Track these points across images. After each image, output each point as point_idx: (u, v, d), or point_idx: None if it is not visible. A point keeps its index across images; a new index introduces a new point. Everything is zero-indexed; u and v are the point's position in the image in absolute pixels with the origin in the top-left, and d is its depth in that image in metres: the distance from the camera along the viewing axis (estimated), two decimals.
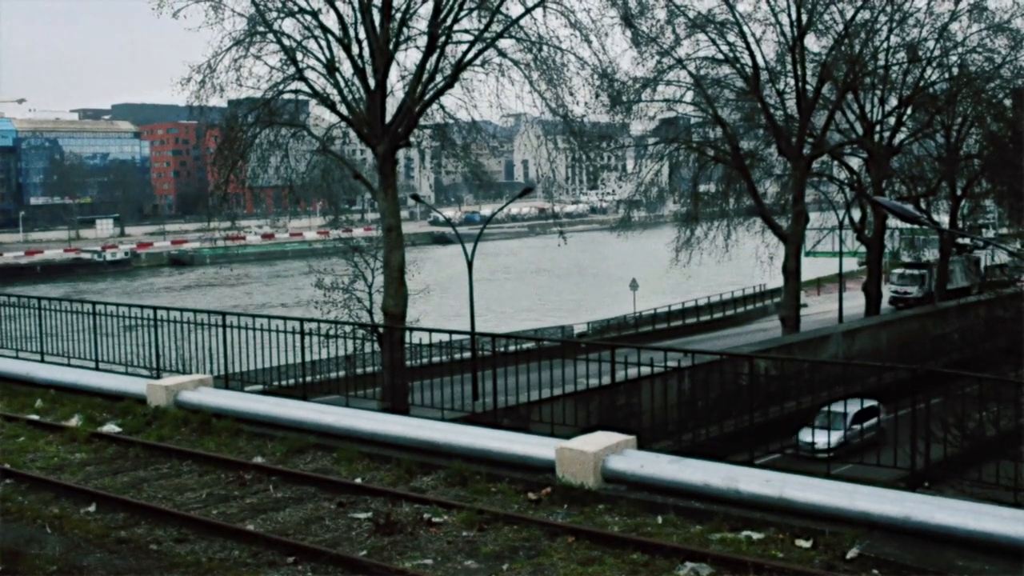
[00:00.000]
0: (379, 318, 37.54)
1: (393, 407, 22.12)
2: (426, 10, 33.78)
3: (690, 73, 47.97)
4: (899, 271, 69.58)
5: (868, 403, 33.51)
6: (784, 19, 47.00)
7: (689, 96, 50.25)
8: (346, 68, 34.44)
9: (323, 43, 34.34)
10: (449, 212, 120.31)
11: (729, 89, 50.63)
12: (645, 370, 15.74)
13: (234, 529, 11.94)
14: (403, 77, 34.78)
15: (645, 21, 41.98)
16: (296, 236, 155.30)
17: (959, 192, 59.95)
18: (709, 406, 16.67)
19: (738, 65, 47.71)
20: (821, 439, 27.47)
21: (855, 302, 60.12)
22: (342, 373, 25.25)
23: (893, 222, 57.78)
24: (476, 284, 41.93)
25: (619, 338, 58.18)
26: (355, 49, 34.00)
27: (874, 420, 35.15)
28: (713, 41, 47.27)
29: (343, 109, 35.01)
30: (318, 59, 34.54)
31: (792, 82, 48.16)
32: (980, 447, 24.49)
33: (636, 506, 12.31)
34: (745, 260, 55.88)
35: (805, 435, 27.35)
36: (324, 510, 12.75)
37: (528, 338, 38.01)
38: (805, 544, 11.04)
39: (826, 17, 48.08)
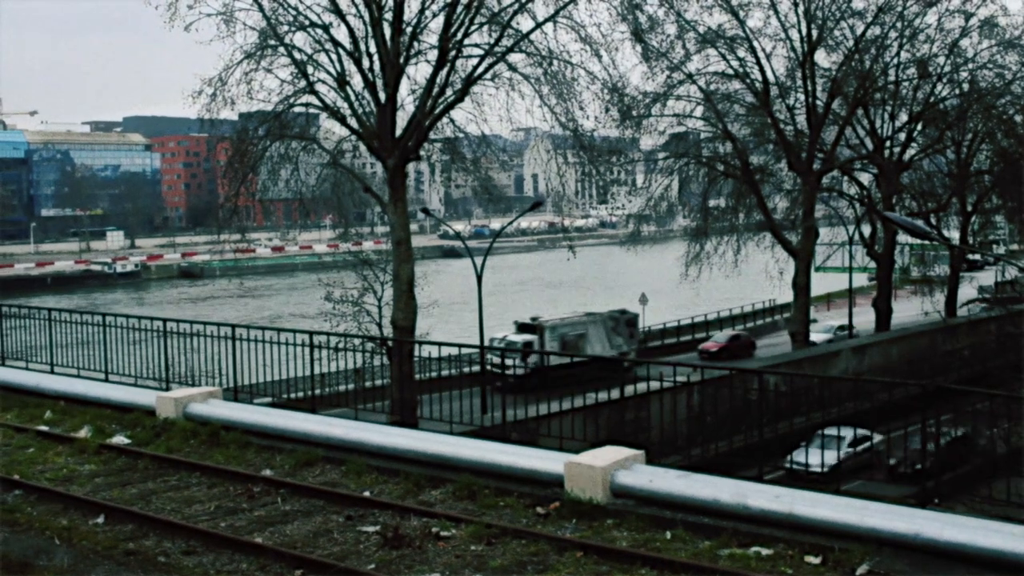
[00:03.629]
0: (388, 331, 37.58)
1: (402, 420, 22.14)
2: (437, 24, 33.95)
3: (700, 88, 48.04)
4: (501, 335, 50.67)
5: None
6: (794, 35, 47.13)
7: (699, 111, 50.35)
8: (357, 82, 34.61)
9: (334, 57, 34.50)
10: (459, 226, 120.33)
11: (739, 104, 50.70)
12: (654, 385, 15.72)
13: (242, 542, 11.93)
14: (413, 91, 34.94)
15: (655, 36, 42.07)
16: (306, 249, 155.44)
17: (969, 208, 59.86)
18: (718, 421, 16.63)
19: (748, 80, 47.77)
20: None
21: (865, 317, 60.05)
22: (351, 386, 25.27)
23: (903, 238, 57.75)
24: (485, 298, 41.99)
25: (628, 353, 58.05)
26: (366, 63, 34.14)
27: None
28: (723, 56, 47.36)
29: (353, 122, 35.14)
30: (329, 73, 34.70)
31: (802, 97, 48.21)
32: (990, 464, 24.39)
33: (645, 521, 12.27)
34: (755, 275, 55.85)
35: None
36: (332, 523, 12.73)
37: (538, 352, 38.05)
38: (815, 560, 11.00)
39: (836, 33, 48.16)
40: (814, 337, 57.92)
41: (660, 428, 17.03)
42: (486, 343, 45.28)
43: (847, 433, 30.95)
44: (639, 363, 34.11)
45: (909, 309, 65.44)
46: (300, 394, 20.56)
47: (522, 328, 50.54)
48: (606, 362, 38.35)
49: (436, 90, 34.00)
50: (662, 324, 67.04)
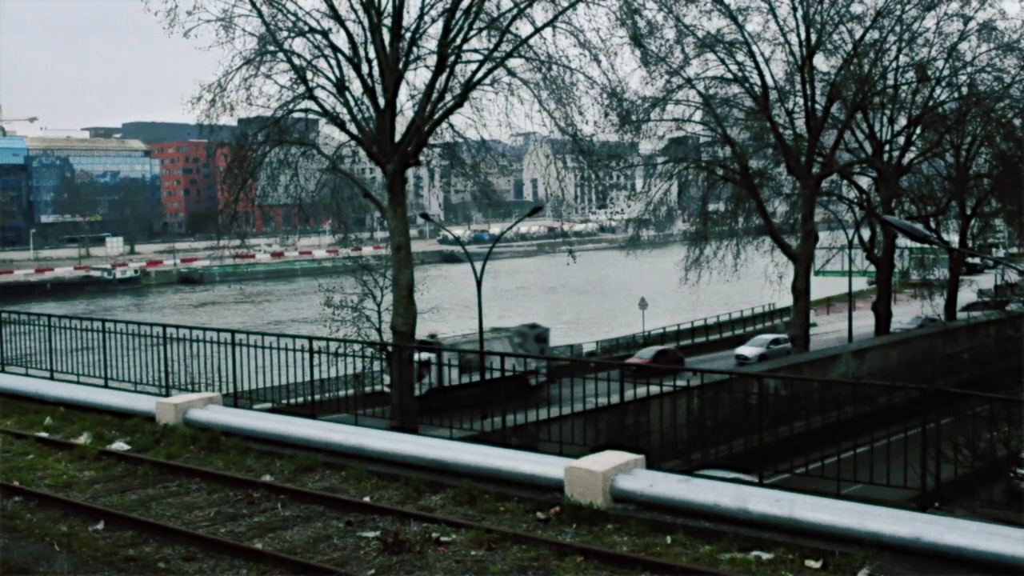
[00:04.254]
0: (388, 336, 37.54)
1: (402, 425, 22.12)
2: (436, 29, 33.99)
3: (699, 92, 48.06)
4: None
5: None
6: (793, 39, 47.17)
7: (698, 115, 50.36)
8: (356, 87, 34.64)
9: (333, 62, 34.54)
10: (458, 231, 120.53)
11: (738, 108, 50.74)
12: (654, 389, 15.70)
13: (242, 548, 11.92)
14: (412, 96, 34.98)
15: (654, 41, 42.10)
16: (305, 254, 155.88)
17: (969, 211, 59.90)
18: (718, 425, 16.61)
19: (747, 85, 47.80)
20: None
21: (864, 321, 60.07)
22: (351, 391, 25.24)
23: (903, 241, 57.75)
24: (485, 303, 41.94)
25: (628, 357, 58.03)
26: (365, 68, 34.17)
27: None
28: (722, 61, 47.38)
29: (353, 128, 35.16)
30: (328, 78, 34.73)
31: (801, 101, 48.23)
32: (991, 467, 24.40)
33: (645, 526, 12.27)
34: (754, 279, 55.83)
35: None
36: (332, 529, 12.72)
37: (537, 357, 37.99)
38: (815, 564, 10.98)
39: (835, 37, 48.20)
40: (745, 352, 57.24)
41: (660, 432, 16.98)
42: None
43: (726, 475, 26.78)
44: (638, 365, 34.16)
45: (909, 313, 65.50)
46: (300, 400, 20.53)
47: (420, 346, 42.02)
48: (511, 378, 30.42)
49: (435, 95, 34.03)
50: (662, 328, 67.04)
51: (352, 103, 34.75)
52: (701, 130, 52.36)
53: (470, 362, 39.17)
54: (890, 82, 51.36)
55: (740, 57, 47.43)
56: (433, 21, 33.89)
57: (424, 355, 40.18)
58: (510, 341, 49.23)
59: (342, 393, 24.83)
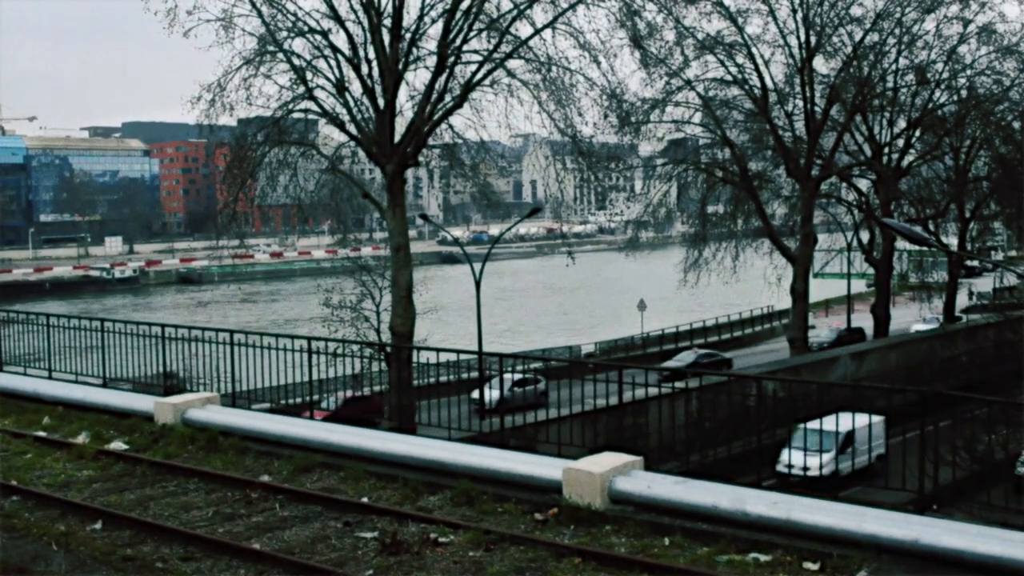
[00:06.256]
0: (387, 337, 37.54)
1: (400, 426, 22.10)
2: (436, 30, 34.02)
3: (699, 94, 48.06)
4: None
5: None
6: (793, 41, 47.15)
7: (698, 117, 50.36)
8: (355, 87, 34.65)
9: (333, 62, 34.56)
10: (457, 232, 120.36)
11: (738, 110, 50.72)
12: (653, 390, 15.69)
13: (240, 548, 11.91)
14: (412, 97, 35.00)
15: (654, 42, 42.09)
16: (304, 255, 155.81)
17: (968, 214, 59.89)
18: (716, 427, 16.60)
19: (747, 87, 47.79)
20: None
21: (863, 324, 60.08)
22: (349, 392, 25.24)
23: (902, 244, 57.74)
24: (484, 304, 41.93)
25: (627, 358, 58.07)
26: (364, 69, 34.19)
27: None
28: (722, 63, 47.38)
29: (352, 128, 35.18)
30: (327, 78, 34.74)
31: (801, 104, 48.23)
32: (989, 470, 24.39)
33: (643, 527, 12.26)
34: (753, 281, 55.85)
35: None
36: (330, 529, 12.71)
37: (536, 358, 38.00)
38: (813, 567, 10.98)
39: (835, 39, 48.18)
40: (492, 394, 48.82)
41: (658, 434, 16.98)
42: None
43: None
44: (636, 367, 34.09)
45: (907, 315, 65.51)
46: (298, 400, 20.51)
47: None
48: None
49: (435, 96, 34.05)
50: (660, 330, 67.07)
51: (352, 103, 34.78)
52: (700, 132, 52.37)
53: None
54: (889, 85, 51.36)
55: (740, 59, 47.45)
56: (433, 22, 33.95)
57: None
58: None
59: (341, 393, 24.82)
